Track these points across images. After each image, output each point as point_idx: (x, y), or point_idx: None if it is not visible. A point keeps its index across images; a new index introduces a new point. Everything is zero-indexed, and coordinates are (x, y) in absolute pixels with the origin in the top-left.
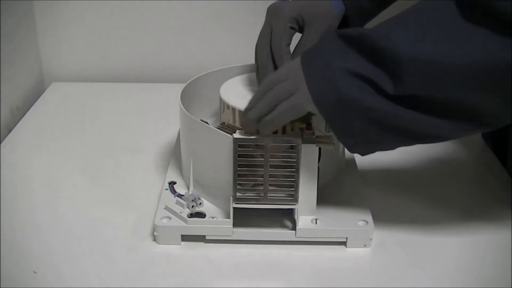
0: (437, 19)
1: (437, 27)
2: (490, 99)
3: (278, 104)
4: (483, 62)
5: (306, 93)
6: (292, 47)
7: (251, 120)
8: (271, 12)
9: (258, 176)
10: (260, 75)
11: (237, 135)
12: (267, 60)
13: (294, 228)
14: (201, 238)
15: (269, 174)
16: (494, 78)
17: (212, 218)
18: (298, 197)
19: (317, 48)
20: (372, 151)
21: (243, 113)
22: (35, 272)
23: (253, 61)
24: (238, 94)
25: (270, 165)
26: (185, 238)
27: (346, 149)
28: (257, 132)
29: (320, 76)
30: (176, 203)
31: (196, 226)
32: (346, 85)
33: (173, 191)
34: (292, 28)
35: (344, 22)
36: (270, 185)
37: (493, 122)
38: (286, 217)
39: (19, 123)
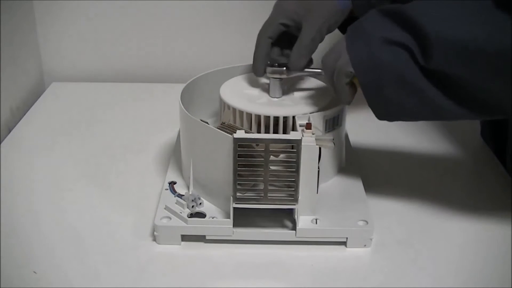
0: (469, 1)
1: (468, 9)
2: (505, 88)
3: (333, 75)
4: (508, 49)
5: (346, 57)
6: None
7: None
8: (274, 6)
9: (258, 176)
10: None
11: (237, 135)
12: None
13: (294, 228)
14: (201, 238)
15: (269, 174)
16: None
17: (212, 218)
18: (298, 197)
19: (360, 21)
20: (397, 119)
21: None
22: (35, 272)
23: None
24: (238, 94)
25: (270, 165)
26: (185, 238)
27: (345, 152)
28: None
29: (358, 42)
30: (176, 203)
31: (196, 226)
32: (381, 51)
33: (173, 191)
34: (283, 24)
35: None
36: (270, 185)
37: (502, 113)
38: (286, 217)
39: (19, 123)
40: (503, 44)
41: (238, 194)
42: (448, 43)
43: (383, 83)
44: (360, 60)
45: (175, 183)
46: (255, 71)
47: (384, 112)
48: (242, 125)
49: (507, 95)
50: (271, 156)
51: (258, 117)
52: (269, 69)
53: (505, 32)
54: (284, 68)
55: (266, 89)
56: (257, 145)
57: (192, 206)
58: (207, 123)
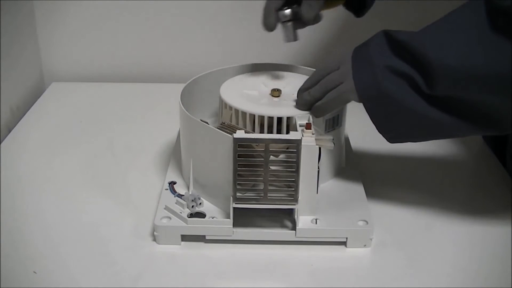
0: (467, 27)
1: (467, 36)
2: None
3: (328, 91)
4: (506, 72)
5: (351, 84)
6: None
7: (304, 100)
8: None
9: (258, 176)
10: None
11: (237, 135)
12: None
13: (294, 228)
14: (201, 238)
15: (269, 174)
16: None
17: (212, 218)
18: (298, 197)
19: (366, 45)
20: (407, 141)
21: (298, 93)
22: (35, 272)
23: (252, 61)
24: (238, 94)
25: (270, 165)
26: (185, 238)
27: (344, 152)
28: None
29: (364, 70)
30: (176, 203)
31: (196, 226)
32: (386, 81)
33: (173, 191)
34: None
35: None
36: (270, 185)
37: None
38: (286, 217)
39: (19, 123)
40: (502, 68)
41: (238, 194)
42: (450, 70)
43: (388, 111)
44: (366, 88)
45: (175, 183)
46: (267, 25)
47: (394, 136)
48: (242, 125)
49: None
50: (271, 156)
51: (258, 117)
52: (280, 13)
53: (502, 55)
54: (295, 5)
55: (266, 89)
56: (257, 145)
57: (192, 206)
58: (207, 123)
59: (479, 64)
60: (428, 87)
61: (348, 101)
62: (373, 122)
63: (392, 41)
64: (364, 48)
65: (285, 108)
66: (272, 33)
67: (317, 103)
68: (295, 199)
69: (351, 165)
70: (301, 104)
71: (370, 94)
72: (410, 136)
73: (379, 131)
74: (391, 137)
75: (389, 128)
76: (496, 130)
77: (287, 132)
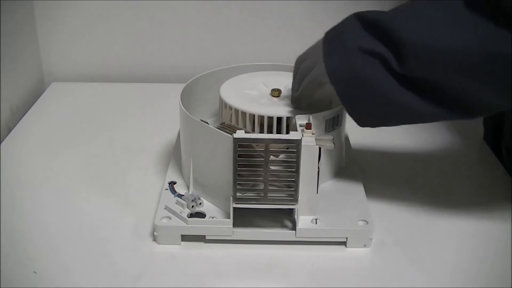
0: (441, 6)
1: (440, 13)
2: (481, 88)
3: (303, 80)
4: (477, 51)
5: (323, 67)
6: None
7: (291, 98)
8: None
9: (258, 176)
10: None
11: (237, 135)
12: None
13: (294, 228)
14: (201, 238)
15: (269, 174)
16: (487, 69)
17: (212, 218)
18: (298, 197)
19: (336, 27)
20: (378, 125)
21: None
22: (35, 272)
23: (252, 61)
24: (238, 94)
25: (270, 165)
26: (185, 238)
27: (344, 152)
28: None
29: (335, 52)
30: (176, 203)
31: (196, 226)
32: (357, 61)
33: (173, 191)
34: None
35: None
36: (270, 185)
37: (481, 112)
38: (286, 217)
39: (19, 123)
40: (474, 47)
41: (238, 194)
42: (422, 48)
43: (360, 93)
44: (337, 71)
45: (175, 183)
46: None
47: (364, 120)
48: (242, 125)
49: (482, 94)
50: (271, 156)
51: (258, 117)
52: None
53: (475, 34)
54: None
55: (266, 89)
56: (257, 145)
57: (192, 206)
58: (207, 123)
59: (452, 44)
60: (400, 66)
61: (322, 84)
62: (343, 105)
63: (364, 21)
64: (334, 31)
65: (285, 108)
66: (272, 33)
67: (296, 94)
68: (295, 199)
69: (351, 165)
70: (291, 102)
71: (340, 75)
72: (382, 120)
73: (349, 114)
74: (362, 122)
75: (360, 110)
76: (468, 115)
77: (287, 132)
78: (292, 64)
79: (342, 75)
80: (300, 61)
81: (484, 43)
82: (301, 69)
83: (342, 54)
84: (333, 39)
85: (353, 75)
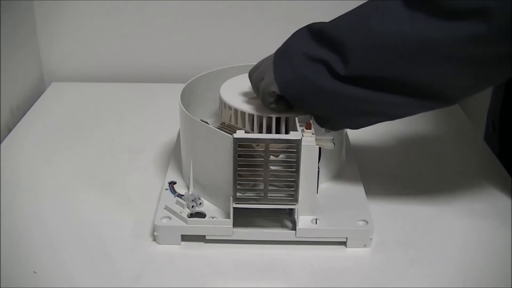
0: (380, 6)
1: (379, 13)
2: (427, 75)
3: (258, 89)
4: (412, 39)
5: (272, 76)
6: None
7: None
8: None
9: (258, 176)
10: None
11: (237, 135)
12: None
13: (294, 228)
14: (201, 238)
15: (269, 174)
16: (425, 55)
17: (212, 218)
18: (298, 197)
19: (287, 39)
20: (339, 127)
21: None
22: (35, 272)
23: (252, 61)
24: (238, 94)
25: (270, 165)
26: (185, 238)
27: (344, 152)
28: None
29: (283, 62)
30: (176, 203)
31: (196, 226)
32: (302, 67)
33: (173, 191)
34: None
35: None
36: (270, 185)
37: (441, 97)
38: (286, 217)
39: (19, 123)
40: (406, 35)
41: (238, 194)
42: (362, 45)
43: (309, 98)
44: (285, 79)
45: (175, 183)
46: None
47: (321, 122)
48: (241, 125)
49: (437, 80)
50: (271, 156)
51: (258, 117)
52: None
53: (411, 25)
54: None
55: None
56: (257, 145)
57: (192, 206)
58: (207, 123)
59: (389, 35)
60: (346, 68)
61: (272, 93)
62: (297, 108)
63: (312, 31)
64: (285, 42)
65: None
66: (272, 33)
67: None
68: (295, 199)
69: (351, 165)
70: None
71: (287, 81)
72: (337, 123)
73: (314, 119)
74: (320, 123)
75: (315, 113)
76: (434, 101)
77: (286, 132)
78: None
79: (288, 80)
80: (252, 72)
81: (416, 31)
82: (255, 78)
83: (288, 61)
84: (281, 49)
85: (297, 78)
